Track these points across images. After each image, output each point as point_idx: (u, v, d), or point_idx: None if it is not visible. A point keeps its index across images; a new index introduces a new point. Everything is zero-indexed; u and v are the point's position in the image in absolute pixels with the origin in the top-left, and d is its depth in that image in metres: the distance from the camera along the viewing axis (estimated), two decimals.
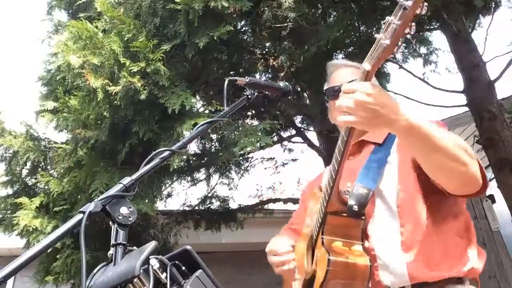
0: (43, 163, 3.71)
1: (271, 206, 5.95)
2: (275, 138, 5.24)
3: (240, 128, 3.18)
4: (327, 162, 5.14)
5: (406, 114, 1.10)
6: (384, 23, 1.00)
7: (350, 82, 1.40)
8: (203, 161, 4.41)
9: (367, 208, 1.29)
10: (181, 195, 5.43)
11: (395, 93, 4.90)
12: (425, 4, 0.93)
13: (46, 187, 3.43)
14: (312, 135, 5.52)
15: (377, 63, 1.04)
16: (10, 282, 5.39)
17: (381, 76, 4.53)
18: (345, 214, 1.28)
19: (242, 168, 5.32)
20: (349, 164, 1.39)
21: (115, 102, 2.85)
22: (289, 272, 1.45)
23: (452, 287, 1.21)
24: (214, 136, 3.74)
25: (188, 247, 0.87)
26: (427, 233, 1.24)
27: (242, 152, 3.03)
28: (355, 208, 1.26)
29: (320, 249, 1.26)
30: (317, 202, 1.38)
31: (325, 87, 1.63)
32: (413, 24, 0.97)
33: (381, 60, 1.03)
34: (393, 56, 3.40)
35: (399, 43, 1.00)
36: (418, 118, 1.13)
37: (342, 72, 1.58)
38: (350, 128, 1.17)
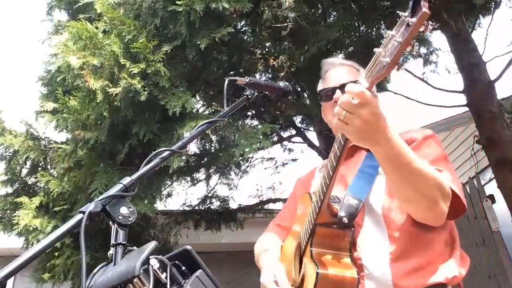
0: (43, 163, 3.71)
1: (271, 206, 5.95)
2: (275, 138, 5.24)
3: (240, 130, 3.18)
4: None
5: (393, 138, 1.08)
6: (385, 38, 0.93)
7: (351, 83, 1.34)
8: (202, 162, 4.41)
9: (357, 218, 1.28)
10: (181, 195, 5.44)
11: (395, 93, 4.91)
12: (430, 22, 0.87)
13: (46, 186, 3.43)
14: (312, 135, 5.52)
15: (375, 80, 0.98)
16: (10, 282, 5.39)
17: None
18: (335, 226, 1.27)
19: (242, 168, 5.33)
20: (340, 170, 1.35)
21: (115, 103, 2.85)
22: None
23: None
24: (214, 138, 3.74)
25: (188, 247, 0.87)
26: (414, 241, 1.24)
27: (242, 153, 3.03)
28: (345, 220, 1.25)
29: (309, 260, 1.25)
30: (306, 207, 1.36)
31: (320, 87, 1.57)
32: (416, 43, 0.91)
33: (380, 78, 0.96)
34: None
35: (400, 62, 0.93)
36: (401, 144, 1.10)
37: (337, 72, 1.52)
38: None
